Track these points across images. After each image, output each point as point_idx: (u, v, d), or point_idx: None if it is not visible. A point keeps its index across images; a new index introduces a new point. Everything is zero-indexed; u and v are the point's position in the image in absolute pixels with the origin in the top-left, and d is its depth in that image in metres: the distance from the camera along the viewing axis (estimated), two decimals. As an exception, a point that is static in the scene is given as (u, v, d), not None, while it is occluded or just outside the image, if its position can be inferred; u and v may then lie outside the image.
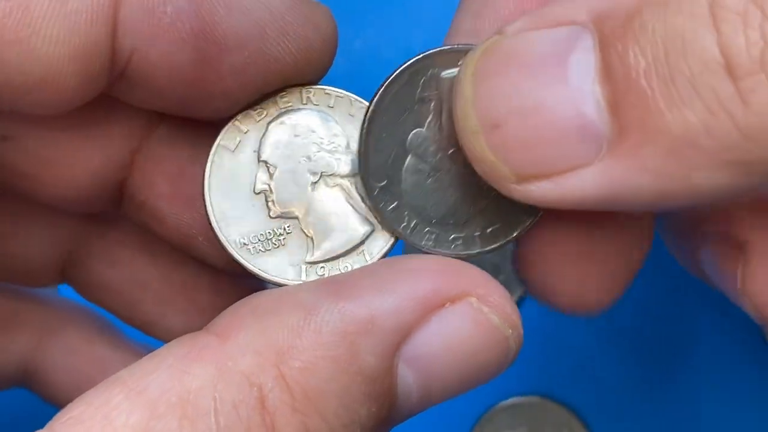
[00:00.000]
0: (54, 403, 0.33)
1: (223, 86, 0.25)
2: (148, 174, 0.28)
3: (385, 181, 0.25)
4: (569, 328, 0.42)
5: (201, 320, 0.23)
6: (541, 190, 0.22)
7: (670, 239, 0.30)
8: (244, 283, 0.30)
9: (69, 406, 0.20)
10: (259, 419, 0.20)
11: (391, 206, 0.25)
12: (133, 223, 0.30)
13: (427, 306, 0.23)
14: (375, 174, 0.25)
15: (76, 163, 0.27)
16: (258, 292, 0.23)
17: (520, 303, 0.41)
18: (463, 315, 0.23)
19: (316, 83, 0.26)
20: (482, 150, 0.22)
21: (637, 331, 0.42)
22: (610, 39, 0.21)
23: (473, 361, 0.23)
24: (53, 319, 0.33)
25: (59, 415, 0.20)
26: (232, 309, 0.23)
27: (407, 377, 0.23)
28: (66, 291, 0.33)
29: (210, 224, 0.25)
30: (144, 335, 0.32)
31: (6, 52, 0.22)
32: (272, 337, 0.21)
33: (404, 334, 0.22)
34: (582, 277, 0.27)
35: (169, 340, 0.22)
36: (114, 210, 0.29)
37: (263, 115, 0.26)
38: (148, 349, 0.22)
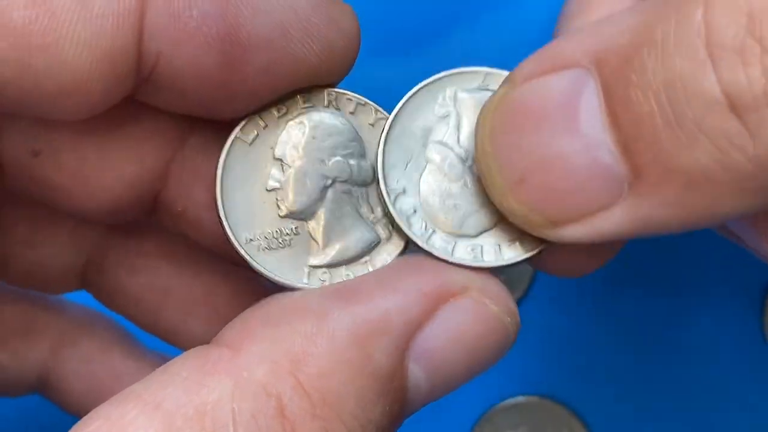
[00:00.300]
0: (69, 411, 0.33)
1: (248, 87, 0.25)
2: (186, 184, 0.27)
3: (403, 189, 0.25)
4: (569, 329, 0.42)
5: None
6: (575, 232, 0.23)
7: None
8: (266, 291, 0.31)
9: (84, 419, 0.20)
10: (280, 428, 0.21)
11: (408, 214, 0.25)
12: (163, 231, 0.30)
13: (432, 302, 0.23)
14: (393, 182, 0.25)
15: (109, 176, 0.27)
16: (264, 301, 0.23)
17: (519, 302, 0.41)
18: (467, 308, 0.24)
19: (338, 83, 0.26)
20: (511, 204, 0.23)
21: (638, 331, 0.42)
22: (611, 83, 0.21)
23: (477, 351, 0.24)
24: (71, 328, 0.33)
25: (74, 429, 0.20)
26: (240, 320, 0.23)
27: (417, 372, 0.23)
28: (84, 298, 0.33)
29: (219, 217, 0.25)
30: (162, 344, 0.32)
31: (33, 58, 0.22)
32: (286, 346, 0.22)
33: (413, 331, 0.23)
34: (570, 256, 0.27)
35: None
36: (146, 219, 0.29)
37: (283, 112, 0.26)
38: (166, 360, 0.22)
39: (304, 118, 0.26)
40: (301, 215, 0.26)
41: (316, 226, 0.26)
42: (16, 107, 0.23)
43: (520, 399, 0.41)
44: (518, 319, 0.25)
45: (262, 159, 0.26)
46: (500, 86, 0.24)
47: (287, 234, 0.25)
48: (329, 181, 0.26)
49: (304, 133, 0.26)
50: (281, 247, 0.25)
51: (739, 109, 0.19)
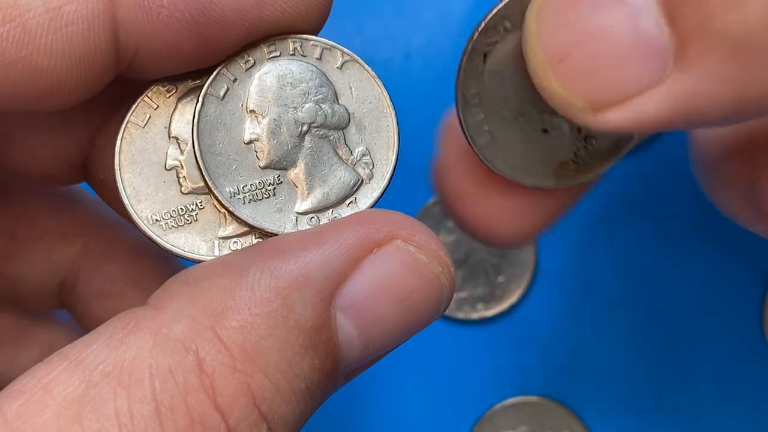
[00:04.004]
0: None
1: (226, 54, 0.25)
2: (107, 151, 0.27)
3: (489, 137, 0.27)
4: (569, 328, 0.42)
5: None
6: (616, 117, 0.22)
7: (710, 176, 0.30)
8: None
9: (16, 379, 0.21)
10: (197, 382, 0.21)
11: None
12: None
13: (356, 253, 0.23)
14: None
15: (37, 143, 0.27)
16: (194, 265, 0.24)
17: (519, 302, 0.42)
18: (391, 257, 0.23)
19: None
20: (551, 85, 0.22)
21: (638, 331, 0.42)
22: None
23: (408, 302, 0.23)
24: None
25: (5, 388, 0.21)
26: (169, 281, 0.23)
27: (346, 326, 0.23)
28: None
29: (122, 201, 0.25)
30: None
31: (11, 72, 0.22)
32: (205, 301, 0.22)
33: (337, 283, 0.23)
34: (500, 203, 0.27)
35: None
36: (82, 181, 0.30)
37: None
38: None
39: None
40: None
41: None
42: None
43: (520, 399, 0.41)
44: (452, 270, 0.24)
45: (160, 139, 0.26)
46: None
47: (192, 209, 0.26)
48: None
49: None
50: (188, 224, 0.26)
51: None
